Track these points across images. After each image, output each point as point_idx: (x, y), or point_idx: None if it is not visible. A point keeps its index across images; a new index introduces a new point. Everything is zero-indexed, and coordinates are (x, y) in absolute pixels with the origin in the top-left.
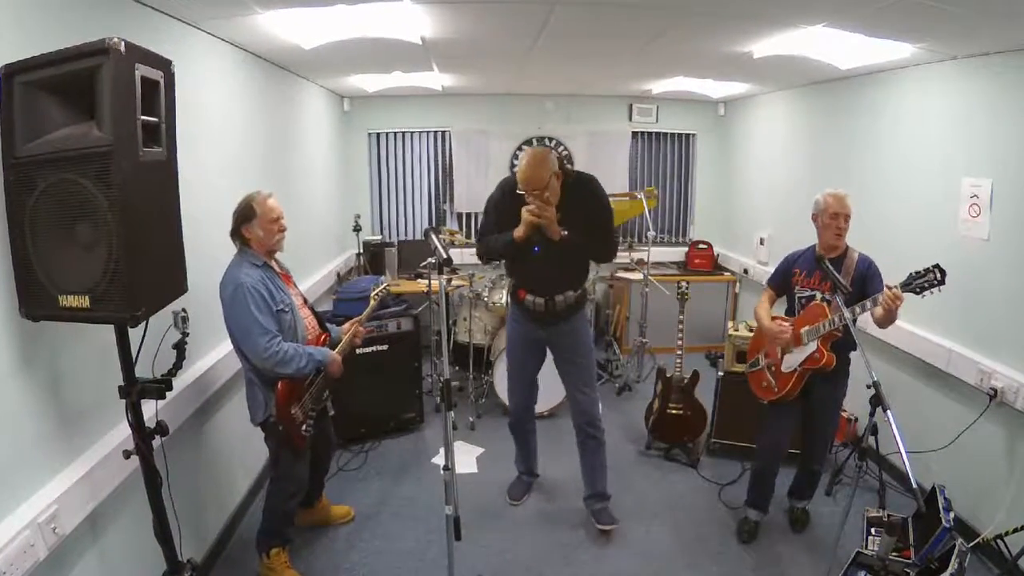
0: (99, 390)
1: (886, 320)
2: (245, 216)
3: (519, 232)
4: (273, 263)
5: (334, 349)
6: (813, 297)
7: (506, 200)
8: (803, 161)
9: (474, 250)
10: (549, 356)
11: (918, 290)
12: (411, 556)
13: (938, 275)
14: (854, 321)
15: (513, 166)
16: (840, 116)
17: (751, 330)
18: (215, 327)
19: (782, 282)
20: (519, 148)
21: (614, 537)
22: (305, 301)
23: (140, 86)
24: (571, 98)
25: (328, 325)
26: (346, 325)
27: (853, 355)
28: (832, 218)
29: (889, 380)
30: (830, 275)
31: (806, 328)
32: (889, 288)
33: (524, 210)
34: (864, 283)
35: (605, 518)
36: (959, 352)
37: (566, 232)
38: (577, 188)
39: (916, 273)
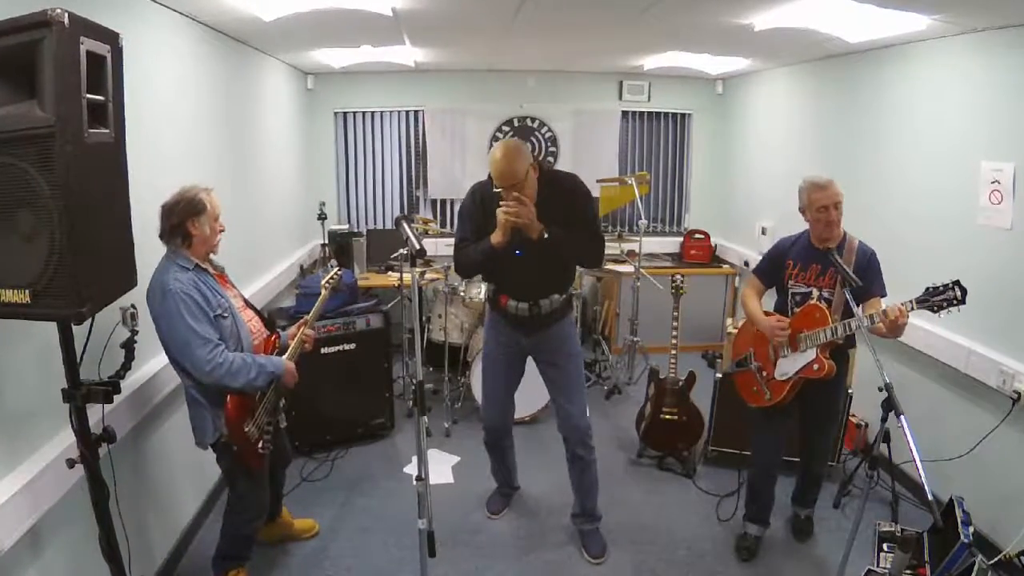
0: (40, 393)
1: (888, 336)
2: (194, 209)
3: (496, 237)
4: (206, 264)
5: (285, 351)
6: (809, 295)
7: (481, 205)
8: (809, 142)
9: (450, 240)
10: (531, 365)
11: (935, 308)
12: (382, 574)
13: (958, 293)
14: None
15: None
16: (849, 94)
17: None
18: None
19: (772, 274)
20: (498, 130)
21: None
22: (246, 302)
23: (85, 62)
24: (556, 74)
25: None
26: (292, 329)
27: (862, 356)
28: (821, 212)
29: (902, 383)
30: (840, 269)
31: (804, 333)
32: (901, 307)
33: (499, 210)
34: (863, 277)
35: (595, 546)
36: (979, 352)
37: (546, 232)
38: (555, 183)
39: (933, 288)
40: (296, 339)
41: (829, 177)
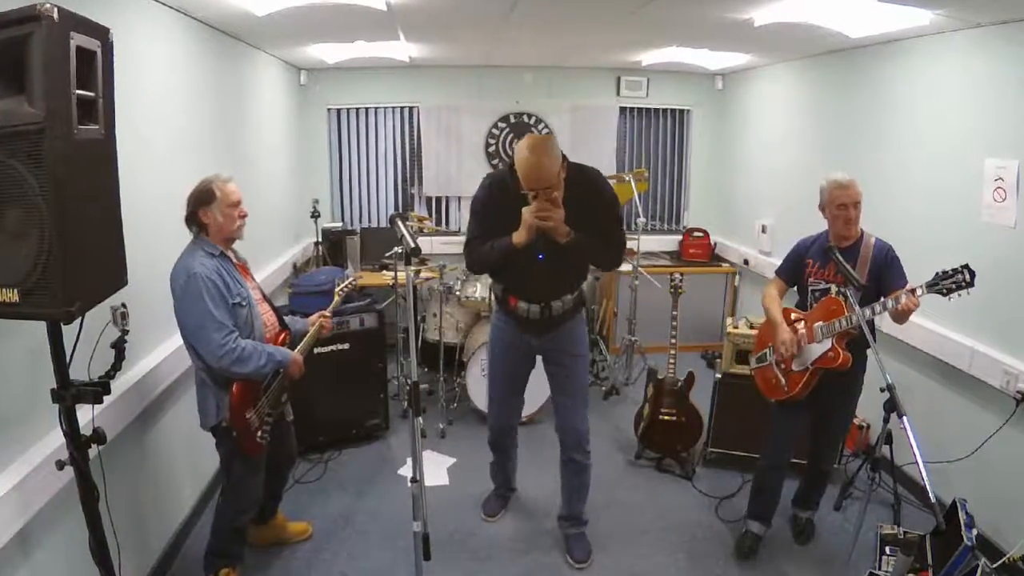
0: (29, 394)
1: (900, 318)
2: (204, 199)
3: (520, 237)
4: (230, 253)
5: (295, 348)
6: (828, 290)
7: (499, 199)
8: (810, 139)
9: (445, 239)
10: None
11: (945, 291)
12: None
13: (967, 276)
14: (871, 320)
15: (488, 145)
16: (850, 90)
17: (752, 327)
18: (157, 324)
19: (794, 273)
20: (494, 127)
21: (600, 557)
22: (264, 295)
23: (75, 57)
24: (552, 70)
25: (292, 319)
26: (312, 317)
27: (868, 352)
28: (840, 209)
29: (905, 383)
30: (841, 268)
31: (820, 324)
32: (912, 294)
33: (527, 212)
34: (882, 273)
35: (579, 551)
36: (982, 351)
37: (572, 233)
38: (579, 181)
39: (943, 273)
40: (315, 327)
41: (851, 177)
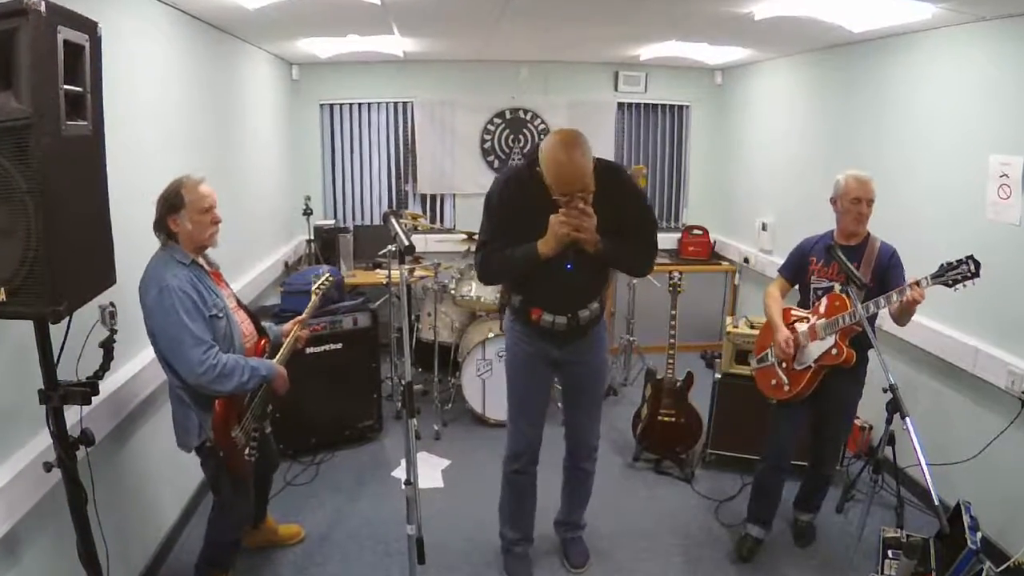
0: (16, 394)
1: (903, 317)
2: (172, 205)
3: (548, 247)
4: (201, 260)
5: (275, 354)
6: (831, 288)
7: (518, 198)
8: (811, 136)
9: (440, 237)
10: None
11: (950, 282)
12: None
13: (972, 267)
14: (874, 317)
15: (484, 142)
16: (852, 85)
17: (752, 327)
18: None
19: (796, 272)
20: (489, 123)
21: (597, 562)
22: (239, 302)
23: (63, 51)
24: (549, 65)
25: (267, 325)
26: (287, 325)
27: (871, 353)
28: (853, 203)
29: (908, 383)
30: (844, 267)
31: (823, 321)
32: (916, 286)
33: (556, 220)
34: (886, 276)
35: (577, 556)
36: (987, 351)
37: (601, 242)
38: (605, 179)
39: (948, 264)
40: (290, 338)
41: (870, 176)
